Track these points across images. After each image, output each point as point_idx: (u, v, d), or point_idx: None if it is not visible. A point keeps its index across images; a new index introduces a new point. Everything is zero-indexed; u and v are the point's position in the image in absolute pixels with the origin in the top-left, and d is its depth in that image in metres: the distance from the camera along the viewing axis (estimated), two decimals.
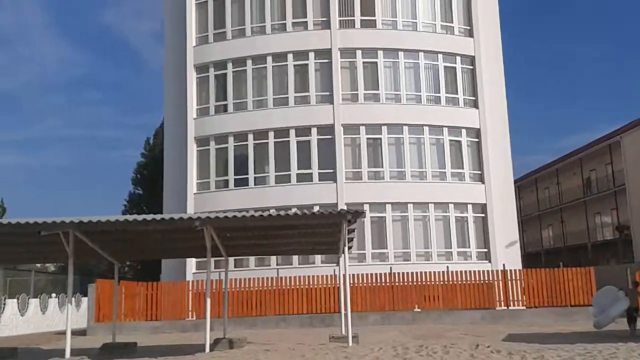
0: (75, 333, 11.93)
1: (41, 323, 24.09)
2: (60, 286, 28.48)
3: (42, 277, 29.19)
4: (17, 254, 15.57)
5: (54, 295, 26.14)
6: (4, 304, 21.85)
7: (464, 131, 27.81)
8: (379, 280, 22.26)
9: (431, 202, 26.64)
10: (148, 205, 38.89)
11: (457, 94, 28.15)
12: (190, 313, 22.42)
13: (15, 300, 22.85)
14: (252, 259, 25.64)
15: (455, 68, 28.30)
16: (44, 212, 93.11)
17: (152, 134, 44.35)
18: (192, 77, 28.78)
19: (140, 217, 12.46)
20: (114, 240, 13.89)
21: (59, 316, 25.63)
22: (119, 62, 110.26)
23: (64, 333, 21.22)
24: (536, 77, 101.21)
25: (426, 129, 27.36)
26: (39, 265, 29.77)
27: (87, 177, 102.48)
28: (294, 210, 17.41)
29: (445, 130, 27.53)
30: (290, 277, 22.49)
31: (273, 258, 25.50)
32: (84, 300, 24.21)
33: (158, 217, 12.46)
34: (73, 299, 15.07)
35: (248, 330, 19.13)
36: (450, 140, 27.60)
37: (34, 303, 24.09)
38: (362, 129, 27.12)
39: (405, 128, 27.18)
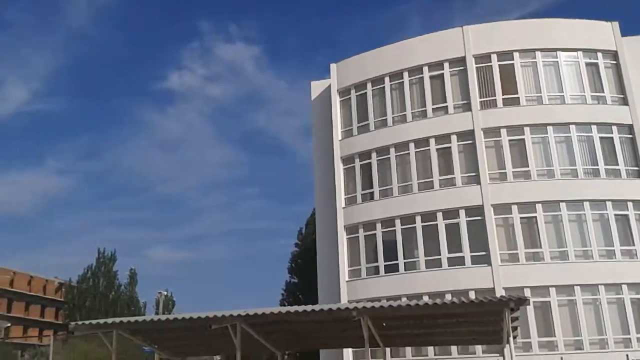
0: None
1: None
2: None
3: None
4: (189, 346, 16.69)
5: None
6: None
7: (630, 204, 25.60)
8: None
9: (601, 284, 24.40)
10: (303, 294, 39.88)
11: (617, 165, 26.25)
12: None
13: None
14: (409, 348, 24.97)
15: (612, 138, 26.60)
16: (207, 303, 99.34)
17: (304, 223, 46.21)
18: (339, 169, 30.01)
19: (300, 308, 12.90)
20: (275, 330, 14.45)
21: None
22: (272, 158, 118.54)
23: None
24: None
25: (586, 204, 25.61)
26: (205, 357, 31.34)
27: (247, 268, 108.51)
28: (449, 297, 16.93)
29: (609, 204, 25.55)
30: None
31: (430, 348, 24.64)
32: None
33: (317, 307, 12.82)
34: None
35: None
36: (616, 215, 25.48)
37: None
38: (514, 208, 26.06)
39: (563, 205, 25.66)
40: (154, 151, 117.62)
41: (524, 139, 26.85)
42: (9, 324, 15.87)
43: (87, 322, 13.37)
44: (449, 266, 26.14)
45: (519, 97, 27.40)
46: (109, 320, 13.12)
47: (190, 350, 18.66)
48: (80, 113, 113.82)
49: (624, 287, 24.36)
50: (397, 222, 27.73)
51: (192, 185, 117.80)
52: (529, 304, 12.69)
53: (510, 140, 27.01)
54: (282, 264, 51.11)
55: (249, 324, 13.02)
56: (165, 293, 40.31)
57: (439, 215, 26.94)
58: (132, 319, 13.66)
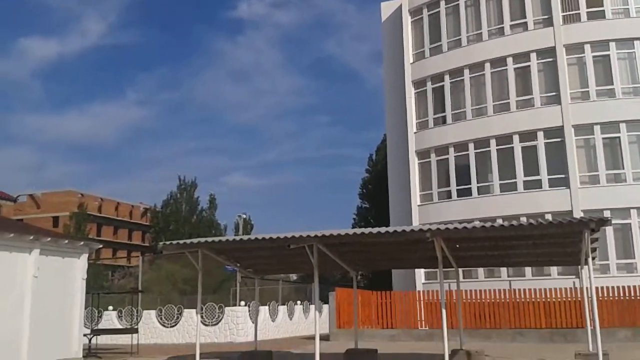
0: (319, 338, 13.05)
1: (288, 328, 26.62)
2: (301, 294, 31.18)
3: (286, 286, 32.24)
4: (268, 265, 17.54)
5: (298, 302, 28.72)
6: (258, 310, 24.67)
7: None
8: (627, 294, 20.12)
9: None
10: (375, 218, 40.54)
11: None
12: (421, 322, 22.76)
13: (266, 307, 25.66)
14: (481, 270, 25.16)
15: None
16: (283, 227, 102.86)
17: (374, 150, 46.25)
18: (410, 93, 29.52)
19: (374, 230, 13.16)
20: (350, 251, 14.89)
21: (303, 321, 28.06)
22: (342, 85, 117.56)
23: (309, 338, 23.22)
24: None
25: None
26: (282, 275, 32.97)
27: (318, 193, 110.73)
28: (524, 219, 16.72)
29: None
30: (524, 290, 21.52)
31: (504, 269, 24.72)
32: (325, 307, 26.18)
33: (391, 229, 13.01)
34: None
35: (482, 342, 18.75)
36: None
37: (282, 310, 26.75)
38: (597, 128, 24.95)
39: None
40: (226, 81, 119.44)
41: (609, 55, 25.28)
42: (100, 246, 17.16)
43: (174, 242, 14.24)
44: (524, 189, 25.68)
45: (604, 10, 25.61)
46: (195, 240, 13.92)
47: (269, 269, 19.61)
48: (155, 45, 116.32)
49: None
50: (471, 145, 27.25)
51: (264, 114, 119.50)
52: (610, 225, 12.34)
53: (594, 57, 25.51)
54: (354, 190, 51.75)
55: (325, 244, 13.42)
56: (244, 216, 41.98)
57: (515, 137, 26.22)
58: (217, 239, 14.37)
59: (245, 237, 14.60)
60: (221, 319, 23.75)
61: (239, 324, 23.52)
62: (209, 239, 14.03)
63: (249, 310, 23.86)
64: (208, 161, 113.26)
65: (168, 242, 14.08)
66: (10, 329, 13.08)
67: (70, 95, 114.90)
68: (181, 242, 14.17)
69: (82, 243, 15.84)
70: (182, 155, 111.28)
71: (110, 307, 25.45)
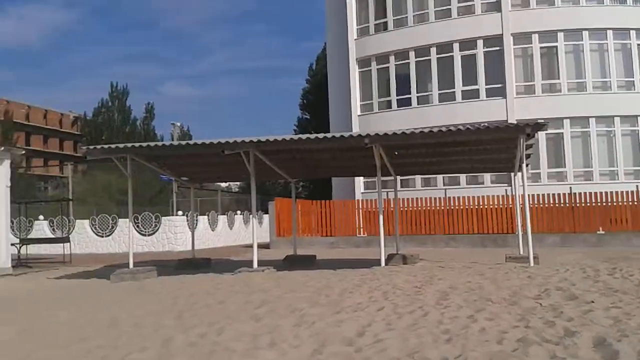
0: (259, 246, 12.92)
1: (228, 237, 26.63)
2: (242, 205, 31.07)
3: (227, 196, 31.98)
4: (205, 173, 17.06)
5: (238, 212, 28.62)
6: (197, 220, 24.41)
7: None
8: (557, 201, 20.95)
9: (617, 116, 24.14)
10: (315, 129, 40.17)
11: None
12: (359, 230, 23.19)
13: (206, 216, 25.41)
14: (418, 180, 25.59)
15: None
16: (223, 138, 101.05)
17: (314, 59, 45.17)
18: None
19: (312, 136, 12.86)
20: (289, 159, 14.56)
21: (244, 231, 28.12)
22: None
23: (249, 246, 23.26)
24: None
25: (610, 32, 24.45)
26: (224, 185, 32.63)
27: (257, 105, 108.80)
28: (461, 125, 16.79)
29: (633, 33, 24.39)
30: (458, 197, 22.09)
31: (440, 179, 25.22)
32: (265, 217, 26.18)
33: (329, 135, 12.76)
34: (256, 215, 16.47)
35: (418, 248, 19.34)
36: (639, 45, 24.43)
37: (222, 219, 26.61)
38: (535, 37, 24.97)
39: (585, 33, 24.52)
40: None
41: None
42: (22, 152, 16.25)
43: (99, 147, 13.46)
44: (462, 99, 25.79)
45: None
46: (122, 145, 13.20)
47: (205, 177, 19.18)
48: None
49: None
50: (412, 54, 26.86)
51: (197, 20, 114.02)
52: (545, 129, 12.53)
53: None
54: (295, 102, 51.10)
55: (262, 151, 13.03)
56: (179, 125, 40.63)
57: (456, 46, 25.95)
58: (145, 144, 13.69)
59: (176, 143, 14.02)
60: (158, 229, 23.41)
61: (177, 234, 23.28)
62: (137, 144, 13.36)
63: (187, 220, 23.57)
64: (142, 69, 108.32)
65: (92, 147, 13.26)
66: None
67: None
68: (106, 147, 13.39)
69: (2, 148, 14.85)
70: (115, 61, 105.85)
71: (41, 217, 24.58)
